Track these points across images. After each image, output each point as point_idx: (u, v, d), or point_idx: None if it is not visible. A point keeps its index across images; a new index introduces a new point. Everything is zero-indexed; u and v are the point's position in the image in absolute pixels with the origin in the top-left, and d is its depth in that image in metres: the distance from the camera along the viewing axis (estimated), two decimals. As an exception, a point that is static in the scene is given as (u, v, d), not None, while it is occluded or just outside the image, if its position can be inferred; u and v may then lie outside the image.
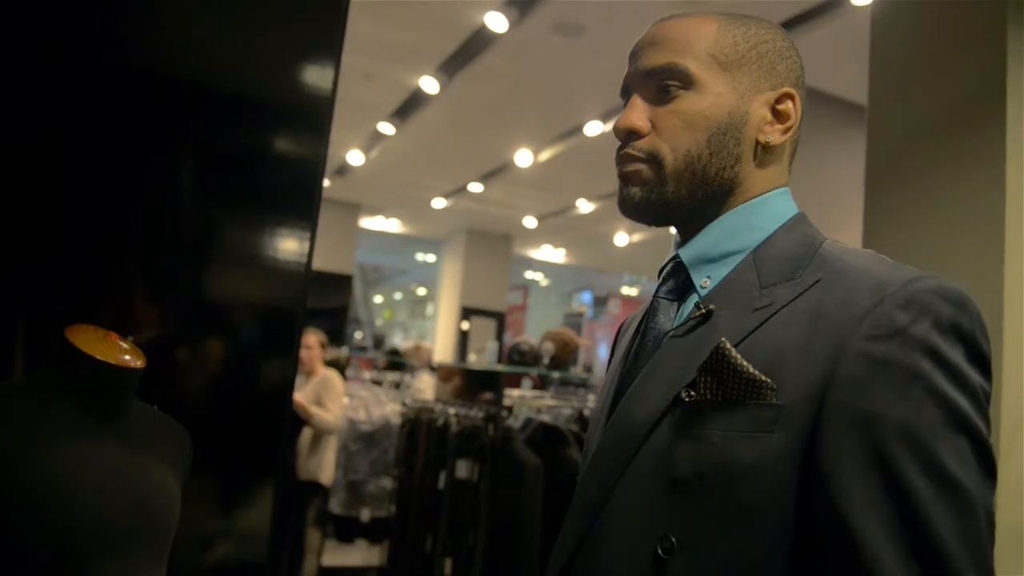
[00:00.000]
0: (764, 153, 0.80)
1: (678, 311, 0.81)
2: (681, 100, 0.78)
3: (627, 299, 14.36)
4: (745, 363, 0.68)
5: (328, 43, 1.51)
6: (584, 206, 8.24)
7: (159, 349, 1.34)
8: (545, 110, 5.59)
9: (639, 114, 0.79)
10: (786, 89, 0.80)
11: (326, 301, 8.69)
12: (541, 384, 3.81)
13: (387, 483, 4.28)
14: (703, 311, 0.75)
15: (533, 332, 12.50)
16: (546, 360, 3.34)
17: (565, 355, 3.40)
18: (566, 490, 2.57)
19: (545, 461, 2.87)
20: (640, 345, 0.82)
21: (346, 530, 4.52)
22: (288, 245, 1.47)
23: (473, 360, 7.55)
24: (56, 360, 1.12)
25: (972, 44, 1.50)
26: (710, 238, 0.80)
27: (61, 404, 1.10)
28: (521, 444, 2.93)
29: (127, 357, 1.16)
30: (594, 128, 5.61)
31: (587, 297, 14.49)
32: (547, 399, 3.32)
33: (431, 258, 12.91)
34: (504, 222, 9.44)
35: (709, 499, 0.67)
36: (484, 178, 7.46)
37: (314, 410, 3.63)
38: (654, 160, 0.79)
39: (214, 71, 1.43)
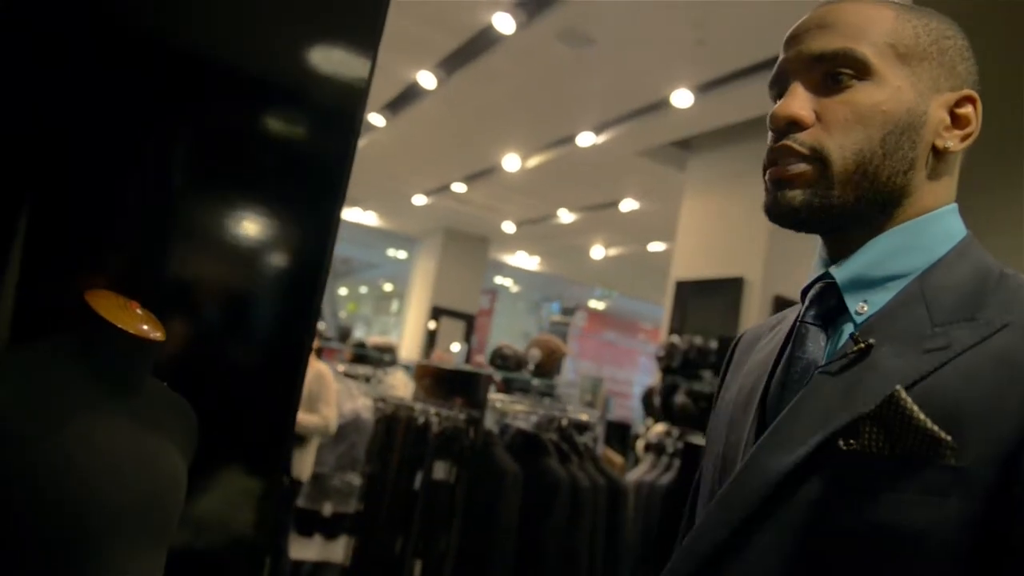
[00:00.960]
0: (937, 161, 0.72)
1: (828, 339, 0.72)
2: (855, 91, 0.69)
3: (594, 312, 14.41)
4: (923, 416, 0.59)
5: (367, 31, 1.47)
6: (565, 216, 8.24)
7: (170, 331, 1.28)
8: (540, 116, 5.57)
9: (802, 103, 0.70)
10: (967, 92, 0.72)
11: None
12: (505, 390, 3.77)
13: (353, 478, 4.20)
14: (862, 345, 0.66)
15: (499, 337, 12.47)
16: (531, 366, 3.31)
17: (551, 362, 3.36)
18: (543, 500, 2.53)
19: (524, 469, 2.83)
20: (786, 376, 0.72)
21: (307, 523, 4.42)
22: (310, 237, 1.42)
23: (436, 360, 7.48)
24: (72, 326, 1.06)
25: (993, 48, 1.50)
26: (872, 256, 0.71)
27: (76, 375, 1.03)
28: (502, 450, 2.89)
29: (146, 327, 1.10)
30: (586, 139, 5.61)
31: (555, 307, 14.52)
32: (523, 405, 3.28)
33: (402, 255, 12.81)
34: (483, 225, 9.41)
35: (869, 568, 0.59)
36: (469, 179, 7.42)
37: (301, 418, 3.54)
38: (818, 159, 0.70)
39: (244, 57, 1.38)
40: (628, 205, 7.28)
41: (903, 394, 0.61)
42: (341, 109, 1.45)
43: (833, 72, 0.70)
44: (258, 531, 1.36)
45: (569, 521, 2.84)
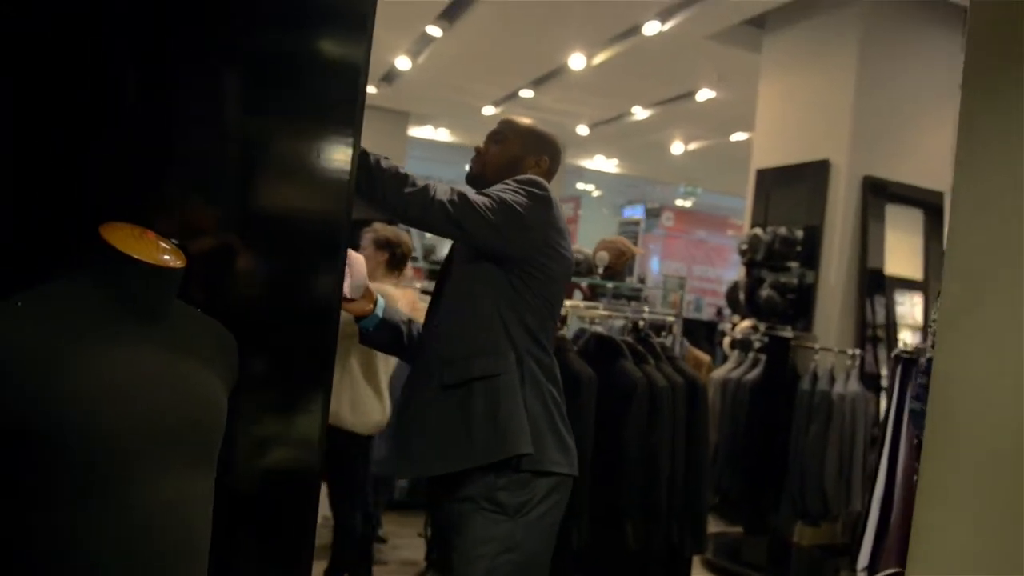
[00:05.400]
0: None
1: None
2: (495, 146, 1.85)
3: (681, 211, 14.02)
4: None
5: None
6: (640, 113, 7.95)
7: (202, 256, 1.28)
8: (602, 9, 5.30)
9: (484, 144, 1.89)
10: (544, 156, 1.85)
11: (375, 212, 8.63)
12: (592, 295, 3.70)
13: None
14: None
15: (584, 243, 12.31)
16: (600, 269, 3.23)
17: (620, 264, 3.27)
18: (620, 402, 2.49)
19: (599, 372, 2.80)
20: None
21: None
22: (331, 152, 1.37)
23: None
24: (92, 260, 1.06)
25: None
26: None
27: (98, 305, 1.05)
28: (575, 355, 2.86)
29: (167, 257, 1.10)
30: (652, 27, 5.31)
31: (639, 210, 14.21)
32: (600, 309, 3.23)
33: (480, 169, 12.71)
34: (555, 130, 9.10)
35: None
36: (535, 84, 7.21)
37: None
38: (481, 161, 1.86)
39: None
40: (704, 95, 6.93)
41: None
42: (351, 17, 1.38)
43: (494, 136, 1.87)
44: (315, 445, 1.38)
45: (648, 422, 2.81)
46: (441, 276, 1.82)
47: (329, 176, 1.37)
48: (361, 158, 1.47)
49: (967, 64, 1.70)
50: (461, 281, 1.71)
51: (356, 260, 1.66)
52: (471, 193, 1.62)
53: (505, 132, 1.84)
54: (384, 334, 1.80)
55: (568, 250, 1.78)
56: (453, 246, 1.81)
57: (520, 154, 1.81)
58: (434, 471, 1.67)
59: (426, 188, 1.55)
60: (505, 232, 1.61)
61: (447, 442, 1.61)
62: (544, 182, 1.71)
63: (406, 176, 1.55)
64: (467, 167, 1.88)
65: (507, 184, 1.68)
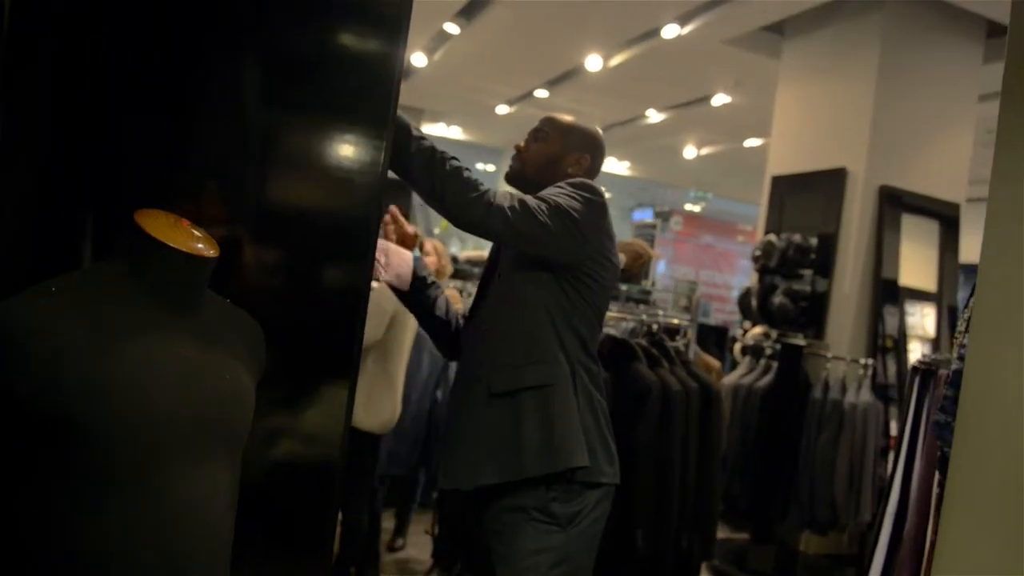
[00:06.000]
0: (570, 174, 1.76)
1: None
2: (537, 143, 1.81)
3: (690, 215, 13.97)
4: None
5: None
6: (654, 116, 7.92)
7: (233, 249, 1.27)
8: (620, 11, 5.28)
9: (526, 142, 1.84)
10: (585, 154, 1.80)
11: (384, 208, 8.63)
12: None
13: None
14: None
15: (592, 246, 12.22)
16: (617, 272, 3.22)
17: (637, 266, 3.25)
18: (633, 405, 2.47)
19: (612, 375, 2.79)
20: None
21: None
22: (362, 148, 1.36)
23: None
24: (125, 247, 1.06)
25: None
26: None
27: (131, 294, 1.04)
28: (589, 357, 2.85)
29: (200, 246, 1.09)
30: (671, 31, 5.29)
31: (648, 213, 14.17)
32: (613, 311, 3.21)
33: (491, 167, 12.73)
34: (568, 131, 9.16)
35: None
36: (551, 84, 7.20)
37: None
38: (521, 159, 1.82)
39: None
40: (720, 100, 6.90)
41: None
42: (386, 16, 1.37)
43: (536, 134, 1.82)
44: (337, 439, 1.37)
45: (660, 426, 2.80)
46: (485, 278, 1.78)
47: (359, 172, 1.36)
48: (427, 152, 1.48)
49: (1007, 73, 1.68)
50: (511, 286, 1.67)
51: (397, 254, 1.71)
52: (530, 200, 1.58)
53: (546, 130, 1.80)
54: (415, 295, 1.76)
55: (616, 256, 1.75)
56: (497, 248, 1.77)
57: (561, 152, 1.77)
58: (484, 482, 1.61)
59: (486, 193, 1.53)
60: (562, 240, 1.58)
61: (497, 452, 1.58)
62: (598, 187, 1.68)
63: (469, 179, 1.52)
64: (508, 164, 1.84)
65: (561, 188, 1.63)
